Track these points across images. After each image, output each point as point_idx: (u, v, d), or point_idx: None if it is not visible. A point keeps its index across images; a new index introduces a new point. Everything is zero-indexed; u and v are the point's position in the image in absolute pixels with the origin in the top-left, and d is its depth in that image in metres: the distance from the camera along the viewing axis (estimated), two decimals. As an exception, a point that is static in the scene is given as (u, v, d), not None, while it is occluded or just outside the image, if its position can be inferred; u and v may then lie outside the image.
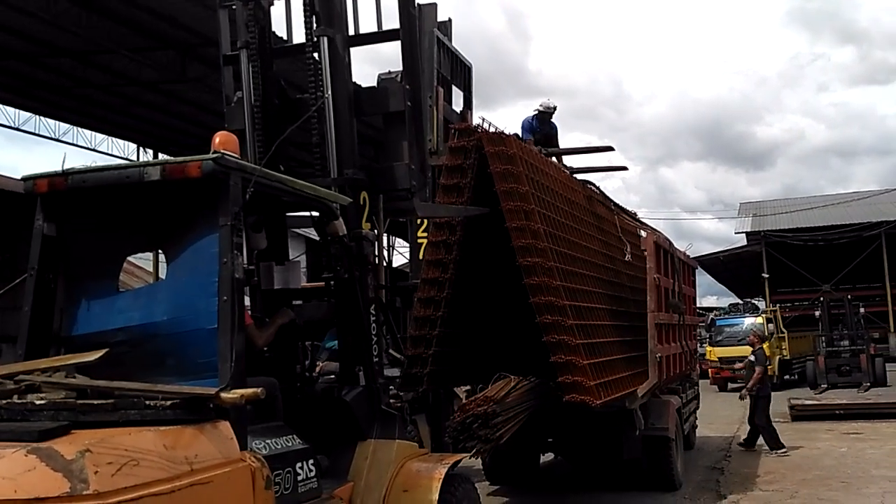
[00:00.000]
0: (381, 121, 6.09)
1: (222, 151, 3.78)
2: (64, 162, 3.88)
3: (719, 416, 15.31)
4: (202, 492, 3.05)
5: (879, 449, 11.64)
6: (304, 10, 5.70)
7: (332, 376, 5.34)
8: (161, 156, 24.58)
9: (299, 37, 6.02)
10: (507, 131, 7.62)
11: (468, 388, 8.14)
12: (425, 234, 7.93)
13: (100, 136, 23.38)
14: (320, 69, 5.55)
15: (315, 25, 5.66)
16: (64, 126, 22.36)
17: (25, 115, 21.06)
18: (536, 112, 10.71)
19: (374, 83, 6.06)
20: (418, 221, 7.95)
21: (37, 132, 22.09)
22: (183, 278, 3.87)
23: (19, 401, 3.20)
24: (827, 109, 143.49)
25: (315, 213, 4.88)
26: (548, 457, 10.35)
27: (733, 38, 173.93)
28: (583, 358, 7.03)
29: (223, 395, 3.28)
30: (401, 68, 5.94)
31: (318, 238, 4.99)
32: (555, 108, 10.73)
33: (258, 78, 5.62)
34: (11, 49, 15.12)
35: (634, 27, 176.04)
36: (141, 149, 24.08)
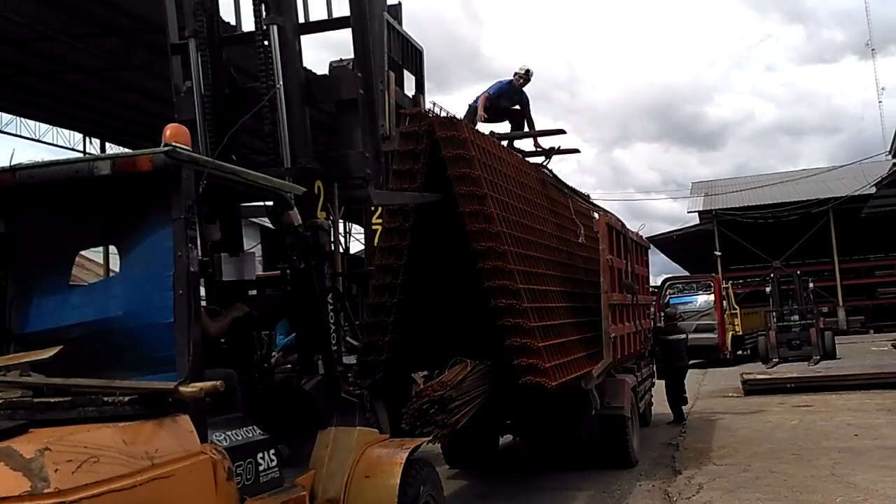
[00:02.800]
0: (333, 107, 6.02)
1: (174, 144, 3.70)
2: (12, 157, 3.83)
3: (674, 392, 15.53)
4: (164, 486, 3.05)
5: (829, 421, 11.93)
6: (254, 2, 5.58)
7: (289, 366, 5.29)
8: (108, 145, 24.05)
9: (248, 24, 5.92)
10: (458, 116, 7.58)
11: (425, 373, 8.13)
12: (380, 221, 7.87)
13: (44, 126, 22.82)
14: (271, 58, 5.46)
15: (264, 13, 5.55)
16: (7, 117, 21.78)
17: (-36, 105, 20.45)
18: (512, 78, 10.62)
19: (326, 70, 5.98)
20: (373, 208, 7.89)
21: (-24, 123, 21.50)
22: (137, 273, 3.85)
23: None
24: (776, 89, 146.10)
25: (269, 204, 4.83)
26: (506, 439, 10.42)
27: (683, 20, 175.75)
28: (538, 340, 7.07)
29: (182, 388, 3.27)
30: (352, 55, 5.87)
31: (272, 227, 4.94)
32: (527, 72, 10.61)
33: (207, 67, 5.51)
34: (-53, 38, 14.65)
35: (586, 10, 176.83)
36: (87, 139, 23.54)
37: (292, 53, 5.52)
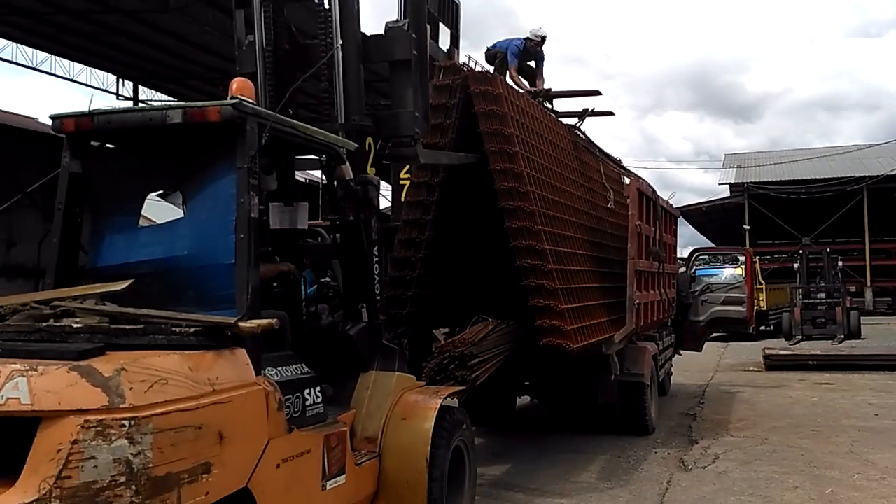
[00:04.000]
0: (385, 68, 6.10)
1: (240, 97, 3.94)
2: (91, 103, 4.09)
3: (695, 363, 15.50)
4: (222, 410, 3.33)
5: (850, 399, 11.84)
6: None
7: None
8: (141, 88, 24.13)
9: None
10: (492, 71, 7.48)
11: (446, 330, 8.14)
12: (408, 176, 7.85)
13: (78, 66, 22.89)
14: (331, 18, 5.58)
15: None
16: (41, 55, 21.86)
17: (2, 42, 20.55)
18: (526, 38, 10.46)
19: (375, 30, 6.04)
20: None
21: (14, 60, 21.61)
22: (201, 216, 4.08)
23: (57, 324, 3.44)
24: (817, 62, 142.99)
25: (323, 158, 5.10)
26: (524, 400, 10.45)
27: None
28: (561, 302, 7.04)
29: (241, 324, 3.53)
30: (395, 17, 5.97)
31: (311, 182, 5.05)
32: (543, 39, 10.49)
33: (270, 23, 5.64)
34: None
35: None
36: (120, 80, 23.62)
37: (351, 14, 5.63)
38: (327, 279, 5.48)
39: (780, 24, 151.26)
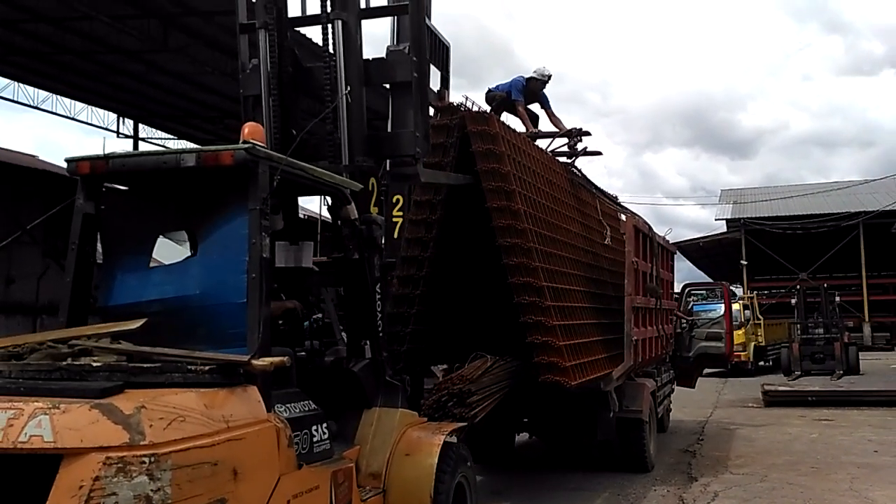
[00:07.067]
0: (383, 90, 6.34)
1: (252, 141, 4.11)
2: (104, 147, 4.29)
3: (694, 399, 15.46)
4: (236, 447, 3.41)
5: (849, 436, 11.80)
6: None
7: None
8: (142, 126, 24.31)
9: (313, 8, 6.18)
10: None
11: (445, 366, 8.15)
12: (400, 213, 7.92)
13: (79, 104, 23.08)
14: (335, 63, 5.72)
15: (329, 8, 5.79)
16: (43, 94, 22.05)
17: (4, 81, 20.74)
18: (529, 78, 10.53)
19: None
20: (393, 200, 7.96)
21: (15, 99, 21.79)
22: (213, 256, 4.19)
23: (76, 363, 3.54)
24: (811, 99, 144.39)
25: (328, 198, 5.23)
26: (522, 437, 10.41)
27: (720, 26, 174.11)
28: (559, 339, 7.06)
29: (254, 362, 3.64)
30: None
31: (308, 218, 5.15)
32: (549, 78, 10.57)
33: (274, 48, 5.79)
34: (-10, 14, 14.85)
35: (622, 12, 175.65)
36: (121, 119, 23.79)
37: (353, 45, 5.79)
38: (318, 315, 5.53)
39: (775, 61, 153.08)
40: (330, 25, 5.74)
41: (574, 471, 9.28)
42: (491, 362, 7.24)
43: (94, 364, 3.49)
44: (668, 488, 8.39)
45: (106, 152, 4.31)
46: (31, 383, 3.37)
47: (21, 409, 3.07)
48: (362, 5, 6.02)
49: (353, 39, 5.78)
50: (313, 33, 6.83)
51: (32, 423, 3.01)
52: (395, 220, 8.40)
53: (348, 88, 5.65)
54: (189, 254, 4.39)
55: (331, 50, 5.72)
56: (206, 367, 3.51)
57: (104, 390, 3.20)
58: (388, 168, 6.12)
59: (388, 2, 6.47)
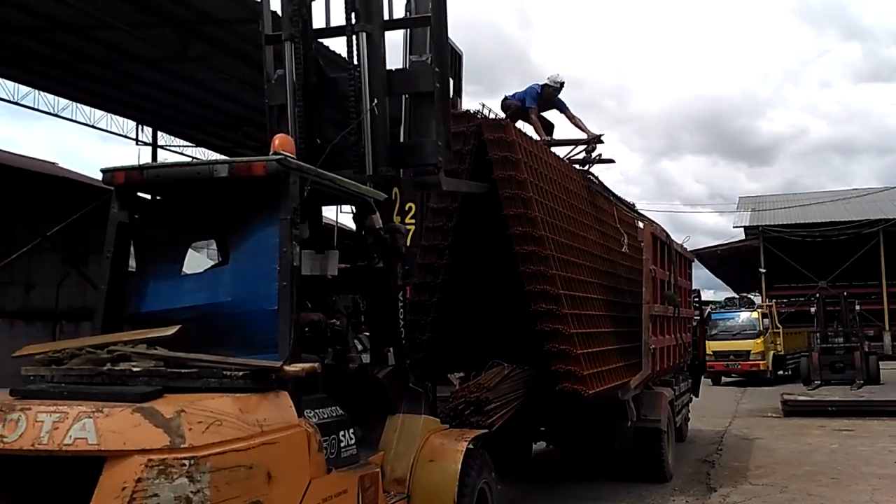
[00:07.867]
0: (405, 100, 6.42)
1: (282, 153, 4.18)
2: (139, 158, 4.31)
3: (712, 409, 15.34)
4: (270, 450, 3.49)
5: (870, 446, 11.67)
6: (346, 7, 5.88)
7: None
8: (160, 134, 24.45)
9: (337, 19, 6.22)
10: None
11: (461, 374, 8.12)
12: (413, 221, 7.93)
13: (98, 112, 23.24)
14: (360, 77, 5.76)
15: (354, 20, 5.83)
16: (63, 101, 22.22)
17: (25, 89, 20.91)
18: (544, 84, 10.51)
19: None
20: (406, 208, 7.99)
21: (36, 107, 21.97)
22: (245, 264, 4.28)
23: (116, 368, 3.63)
24: (829, 106, 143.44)
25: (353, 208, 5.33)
26: (539, 445, 10.35)
27: (738, 32, 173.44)
28: (577, 347, 7.02)
29: (286, 368, 3.72)
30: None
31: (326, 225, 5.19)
32: (562, 85, 10.55)
33: (299, 58, 5.83)
34: (10, 22, 14.98)
35: (639, 19, 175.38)
36: (140, 127, 23.94)
37: (378, 56, 5.83)
38: (334, 321, 5.53)
39: (793, 68, 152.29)
40: (355, 37, 5.78)
41: (591, 480, 9.22)
42: (508, 370, 7.21)
43: (134, 369, 3.59)
44: (687, 499, 8.32)
45: (140, 163, 4.40)
46: (74, 388, 3.46)
47: (66, 413, 3.18)
48: (385, 17, 6.05)
49: (377, 51, 5.83)
50: (336, 44, 6.87)
51: (77, 426, 3.13)
52: (407, 227, 8.42)
53: (374, 101, 5.70)
54: (219, 262, 4.47)
55: (355, 61, 5.76)
56: (241, 373, 3.61)
57: (145, 395, 3.31)
58: (403, 175, 6.15)
59: (411, 13, 6.52)
